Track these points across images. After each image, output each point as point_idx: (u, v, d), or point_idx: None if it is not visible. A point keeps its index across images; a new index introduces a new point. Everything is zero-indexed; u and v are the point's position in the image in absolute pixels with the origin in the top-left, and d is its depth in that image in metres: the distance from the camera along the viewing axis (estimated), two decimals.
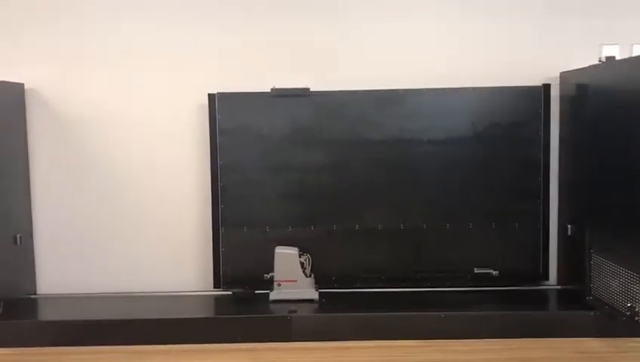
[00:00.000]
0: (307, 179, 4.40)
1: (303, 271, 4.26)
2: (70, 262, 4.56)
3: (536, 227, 4.43)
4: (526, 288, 4.47)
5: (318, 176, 4.40)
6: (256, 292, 4.31)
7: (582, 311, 3.99)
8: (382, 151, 4.38)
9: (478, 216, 4.41)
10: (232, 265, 4.44)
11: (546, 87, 4.38)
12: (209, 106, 4.38)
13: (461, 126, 4.37)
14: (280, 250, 4.27)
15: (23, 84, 4.45)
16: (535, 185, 4.40)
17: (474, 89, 4.36)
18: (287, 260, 4.25)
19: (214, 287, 4.47)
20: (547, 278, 4.47)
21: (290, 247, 4.30)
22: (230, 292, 4.39)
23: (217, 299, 4.43)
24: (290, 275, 4.24)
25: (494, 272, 4.37)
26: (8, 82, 4.30)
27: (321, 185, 4.41)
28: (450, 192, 4.41)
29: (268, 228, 4.42)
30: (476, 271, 4.40)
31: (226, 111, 4.37)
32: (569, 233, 4.29)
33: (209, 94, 4.38)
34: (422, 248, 4.43)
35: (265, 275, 4.31)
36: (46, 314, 4.33)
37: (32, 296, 4.49)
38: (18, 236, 4.30)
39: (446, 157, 4.38)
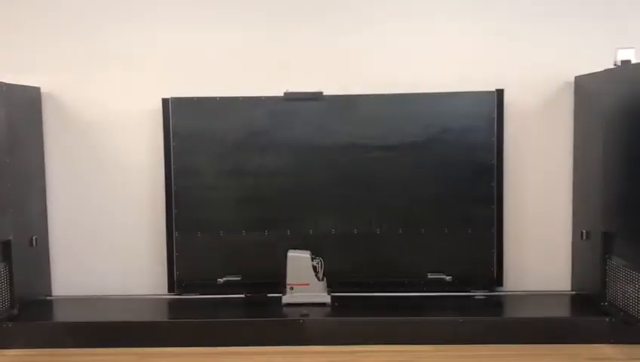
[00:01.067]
0: (261, 184, 4.42)
1: (316, 275, 4.26)
2: (84, 264, 4.60)
3: (490, 232, 4.40)
4: (536, 292, 4.44)
5: (272, 180, 4.41)
6: (269, 295, 4.31)
7: (597, 317, 3.96)
8: (336, 156, 4.39)
9: (431, 221, 4.41)
10: (185, 270, 4.46)
11: (499, 93, 4.36)
12: (163, 111, 4.41)
13: (415, 132, 4.37)
14: (293, 254, 4.28)
15: (39, 88, 4.50)
16: (489, 190, 4.37)
17: (427, 95, 4.35)
18: (299, 264, 4.26)
19: (168, 291, 4.49)
20: (501, 284, 4.44)
21: (302, 251, 4.31)
22: (190, 297, 4.42)
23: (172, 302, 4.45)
24: (303, 279, 4.24)
25: (447, 278, 4.36)
26: (25, 86, 4.35)
27: (275, 190, 4.42)
28: (404, 197, 4.41)
29: (222, 233, 4.43)
30: (430, 276, 4.38)
31: (179, 116, 4.39)
32: (583, 238, 4.26)
33: (163, 99, 4.41)
34: (375, 253, 4.42)
35: (219, 279, 4.35)
36: (61, 315, 4.37)
37: (48, 298, 4.53)
38: (34, 238, 4.34)
39: (400, 162, 4.38)
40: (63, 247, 4.59)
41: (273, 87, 4.36)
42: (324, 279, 4.31)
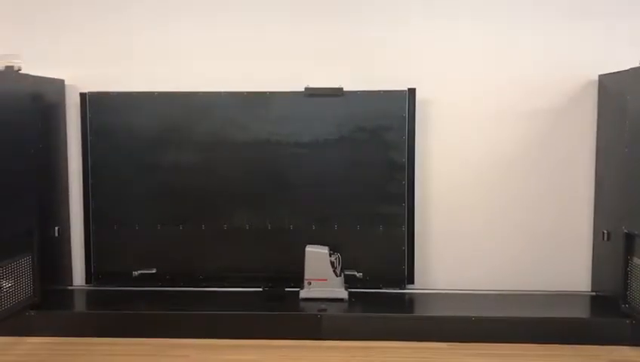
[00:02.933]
0: (177, 179, 4.44)
1: (334, 271, 4.27)
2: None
3: (401, 230, 4.38)
4: (558, 292, 4.40)
5: (187, 176, 4.44)
6: (287, 290, 4.34)
7: (617, 319, 3.92)
8: (250, 152, 4.41)
9: (344, 218, 4.41)
10: (102, 262, 4.52)
11: (412, 92, 4.34)
12: (80, 105, 4.44)
13: (328, 129, 4.38)
14: (311, 249, 4.29)
15: (63, 80, 4.57)
16: (400, 189, 4.36)
17: (342, 92, 4.33)
18: (317, 259, 4.27)
19: (86, 283, 4.54)
20: (412, 282, 4.43)
21: (320, 246, 4.32)
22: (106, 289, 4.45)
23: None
24: (321, 274, 4.26)
25: (358, 274, 4.35)
26: (49, 78, 4.41)
27: (190, 185, 4.45)
28: (318, 194, 4.42)
29: (137, 226, 4.46)
30: (344, 272, 4.36)
31: (97, 110, 4.42)
32: (605, 239, 4.21)
33: (81, 93, 4.44)
34: (288, 249, 4.41)
35: (134, 272, 4.41)
36: (81, 305, 4.45)
37: (69, 288, 4.60)
38: (56, 228, 4.41)
39: (314, 160, 4.39)
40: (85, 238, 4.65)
41: (189, 82, 4.41)
42: (342, 274, 4.32)
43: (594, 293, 4.42)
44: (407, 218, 4.41)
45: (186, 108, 4.43)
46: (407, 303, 4.38)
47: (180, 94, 4.42)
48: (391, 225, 4.41)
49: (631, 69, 3.93)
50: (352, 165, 4.41)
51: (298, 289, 4.28)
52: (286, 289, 4.34)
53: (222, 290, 4.46)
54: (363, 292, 4.35)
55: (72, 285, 4.64)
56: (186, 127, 4.44)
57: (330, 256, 4.29)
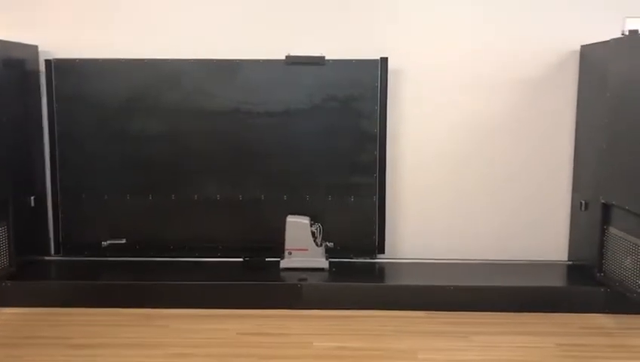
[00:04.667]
0: (146, 148, 4.40)
1: (314, 241, 4.28)
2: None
3: (372, 201, 4.41)
4: (536, 261, 4.47)
5: (156, 145, 4.40)
6: (267, 260, 4.34)
7: (592, 287, 3.99)
8: (220, 121, 4.37)
9: (315, 188, 4.41)
10: (70, 233, 4.48)
11: (384, 61, 4.30)
12: (45, 72, 4.35)
13: (300, 98, 4.35)
14: (292, 219, 4.29)
15: (37, 46, 4.44)
16: (371, 159, 4.37)
17: (310, 58, 4.27)
18: (298, 229, 4.27)
19: (54, 254, 4.52)
20: (383, 251, 4.47)
21: (301, 216, 4.32)
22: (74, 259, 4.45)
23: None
24: (301, 244, 4.26)
25: (329, 244, 4.38)
26: (23, 44, 4.28)
27: (159, 155, 4.41)
28: (289, 165, 4.41)
29: (106, 196, 4.43)
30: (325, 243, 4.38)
31: (62, 78, 4.33)
32: (583, 209, 4.26)
33: (45, 60, 4.35)
34: (260, 219, 4.43)
35: (103, 242, 4.40)
36: (59, 275, 4.40)
37: (46, 258, 4.55)
38: (32, 198, 4.34)
39: (284, 129, 4.37)
40: (62, 208, 4.57)
41: (156, 50, 4.33)
42: (323, 245, 4.32)
43: (570, 263, 4.49)
44: (377, 188, 4.40)
45: (155, 76, 4.34)
46: (381, 272, 4.39)
47: (148, 61, 4.33)
48: (362, 196, 4.40)
49: (612, 39, 3.92)
50: (324, 135, 4.38)
51: (278, 259, 4.27)
52: (266, 259, 4.33)
53: (202, 260, 4.45)
54: (336, 261, 4.34)
55: (49, 255, 4.59)
56: (154, 95, 4.36)
57: (311, 226, 4.28)
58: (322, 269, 4.24)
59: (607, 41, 3.95)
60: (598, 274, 4.03)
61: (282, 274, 4.20)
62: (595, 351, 3.48)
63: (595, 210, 4.07)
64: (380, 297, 4.00)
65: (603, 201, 3.96)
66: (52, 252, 4.57)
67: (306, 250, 4.26)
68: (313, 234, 4.28)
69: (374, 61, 4.30)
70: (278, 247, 4.30)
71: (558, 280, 4.34)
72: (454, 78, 4.43)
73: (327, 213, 4.41)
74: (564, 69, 4.41)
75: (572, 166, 4.48)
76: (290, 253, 4.26)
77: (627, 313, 3.89)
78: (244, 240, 4.44)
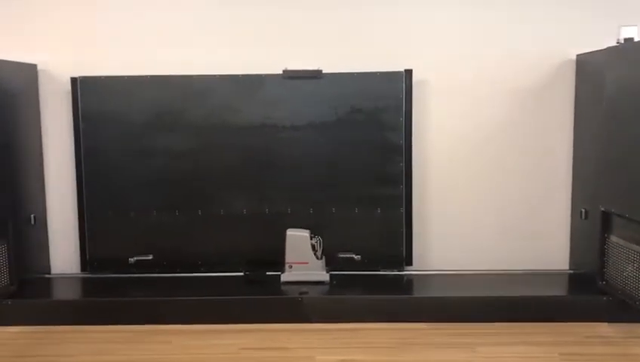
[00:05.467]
0: (172, 164, 4.40)
1: (314, 254, 4.27)
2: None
3: (398, 212, 4.40)
4: (541, 271, 4.45)
5: (182, 161, 4.39)
6: (268, 273, 4.32)
7: (594, 296, 3.97)
8: (246, 136, 4.37)
9: (341, 201, 4.41)
10: (97, 249, 4.47)
11: (408, 73, 4.33)
12: (72, 90, 4.36)
13: (325, 111, 4.35)
14: (292, 233, 4.28)
15: (35, 65, 4.46)
16: (397, 170, 4.38)
17: (335, 74, 4.31)
18: (298, 242, 4.26)
19: (81, 271, 4.50)
20: (411, 263, 4.45)
21: (301, 230, 4.31)
22: (101, 276, 4.42)
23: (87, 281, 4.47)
24: (302, 257, 4.25)
25: (356, 257, 4.37)
26: (22, 63, 4.30)
27: (185, 171, 4.40)
28: (315, 178, 4.40)
29: (132, 213, 4.43)
30: (340, 255, 4.38)
31: (89, 95, 4.34)
32: (583, 217, 4.25)
33: (72, 78, 4.36)
34: (286, 233, 4.38)
35: (130, 259, 4.38)
36: (59, 293, 4.39)
37: (46, 276, 4.54)
38: (32, 216, 4.33)
39: (309, 142, 4.37)
40: (63, 226, 4.58)
41: (181, 66, 4.34)
42: (323, 257, 4.32)
43: (572, 271, 4.47)
44: (404, 200, 4.39)
45: (179, 92, 4.35)
46: (384, 285, 4.34)
47: (173, 78, 4.33)
48: (389, 207, 4.38)
49: (608, 48, 3.94)
50: (349, 147, 4.37)
51: (279, 273, 4.26)
52: (267, 273, 4.32)
53: (202, 276, 4.43)
54: (361, 274, 4.34)
55: (49, 273, 4.58)
56: (179, 112, 4.36)
57: (311, 239, 4.28)
58: (323, 282, 4.22)
59: (603, 49, 3.97)
60: (599, 283, 4.02)
61: (283, 287, 4.19)
62: (598, 360, 3.46)
63: (595, 219, 4.06)
64: (382, 310, 3.98)
65: (603, 209, 3.96)
66: (74, 269, 4.54)
67: (307, 263, 4.25)
68: (313, 247, 4.27)
69: (399, 73, 4.32)
70: None
71: (559, 290, 4.32)
72: (462, 88, 4.45)
73: (353, 225, 4.40)
74: (560, 78, 4.42)
75: (571, 174, 4.48)
76: (290, 267, 4.25)
77: (629, 321, 3.87)
78: (270, 253, 4.38)
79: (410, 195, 4.42)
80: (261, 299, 4.04)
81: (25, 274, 4.22)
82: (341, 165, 4.40)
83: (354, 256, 4.37)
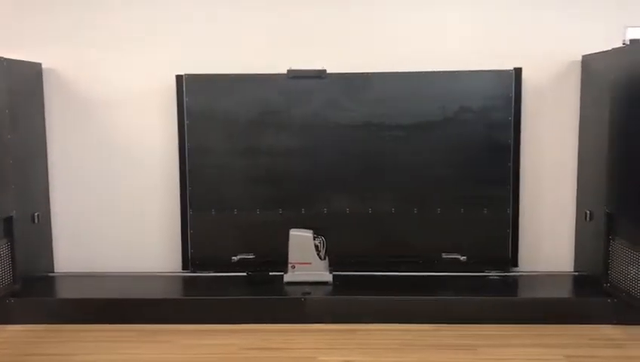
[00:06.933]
0: (276, 163, 4.38)
1: (318, 254, 4.26)
2: (87, 241, 4.60)
3: (505, 213, 4.37)
4: (547, 273, 4.43)
5: (287, 159, 4.38)
6: (271, 274, 4.32)
7: (599, 298, 3.95)
8: (351, 135, 4.34)
9: (447, 201, 4.37)
10: (200, 248, 4.45)
11: (518, 71, 4.29)
12: (177, 88, 4.35)
13: (431, 110, 4.32)
14: (295, 233, 4.27)
15: (40, 64, 4.47)
16: (505, 170, 4.34)
17: (443, 73, 4.29)
18: (301, 243, 4.25)
19: (182, 269, 4.49)
20: (516, 264, 4.41)
21: (304, 230, 4.30)
22: (203, 274, 4.42)
23: (187, 280, 4.45)
24: (305, 258, 4.24)
25: (462, 258, 4.34)
26: (26, 62, 4.31)
27: (290, 169, 4.39)
28: (420, 177, 4.37)
29: (236, 211, 4.41)
30: (444, 256, 4.36)
31: (193, 93, 4.34)
32: (588, 219, 4.23)
33: (177, 76, 4.35)
34: (390, 233, 4.40)
35: (233, 257, 4.36)
36: (62, 292, 4.38)
37: (50, 274, 4.54)
38: (36, 214, 4.34)
39: (415, 141, 4.34)
40: (67, 224, 4.59)
41: (287, 65, 4.30)
42: (326, 258, 4.30)
43: (576, 273, 4.45)
44: (511, 200, 4.35)
45: (284, 90, 4.32)
46: (390, 285, 4.28)
47: (278, 76, 4.30)
48: (495, 208, 4.35)
49: (614, 49, 3.92)
50: (456, 146, 4.32)
51: (282, 273, 4.26)
52: (270, 273, 4.32)
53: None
54: (467, 276, 4.31)
55: (53, 272, 4.58)
56: (284, 110, 4.34)
57: (314, 239, 4.27)
58: (326, 283, 4.21)
59: (609, 50, 3.95)
60: (604, 285, 3.99)
61: (286, 288, 4.17)
62: None
63: (600, 220, 4.04)
64: (385, 310, 3.96)
65: (607, 211, 3.93)
66: (98, 268, 4.52)
67: (310, 263, 4.24)
68: (316, 247, 4.26)
69: (508, 72, 4.28)
70: (408, 261, 4.36)
71: (564, 291, 4.30)
72: None
73: (459, 225, 4.37)
74: (566, 79, 4.40)
75: (576, 176, 4.45)
76: (293, 267, 4.24)
77: (634, 323, 3.85)
78: (372, 254, 4.39)
79: (517, 196, 4.38)
80: (264, 299, 4.03)
81: (28, 272, 4.22)
82: (447, 165, 4.34)
83: (459, 256, 4.34)
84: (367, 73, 4.31)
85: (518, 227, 4.40)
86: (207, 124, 4.36)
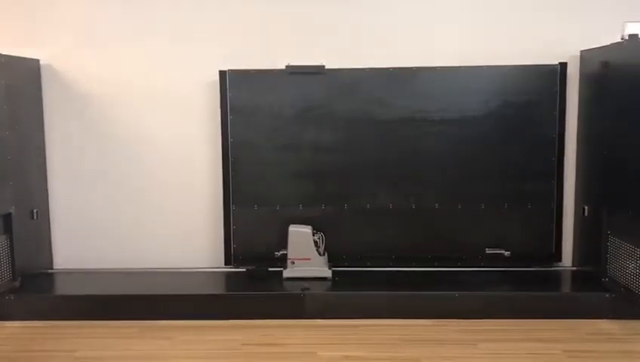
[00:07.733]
0: (318, 158, 4.38)
1: (317, 250, 4.26)
2: (86, 238, 4.60)
3: (549, 208, 4.37)
4: (540, 269, 4.44)
5: (329, 154, 4.37)
6: (270, 269, 4.32)
7: (597, 293, 3.96)
8: (394, 130, 4.34)
9: (490, 196, 4.36)
10: (242, 243, 4.45)
11: (563, 66, 4.29)
12: (220, 83, 4.35)
13: (475, 105, 4.31)
14: (294, 228, 4.27)
15: (38, 60, 4.46)
16: (549, 165, 4.34)
17: (488, 67, 4.29)
18: (300, 238, 4.26)
19: (225, 265, 4.48)
20: (560, 259, 4.43)
21: (303, 226, 4.31)
22: (243, 270, 4.42)
23: (229, 275, 4.45)
24: (304, 253, 4.24)
25: (506, 253, 4.34)
26: (24, 58, 4.30)
27: (332, 164, 4.38)
28: (463, 172, 4.36)
29: (279, 207, 4.41)
30: (488, 251, 4.37)
31: (237, 88, 4.34)
32: (586, 214, 4.24)
33: (220, 71, 4.35)
34: (433, 228, 4.40)
35: (276, 253, 4.34)
36: (62, 288, 4.38)
37: (49, 271, 4.54)
38: (34, 211, 4.33)
39: (459, 136, 4.33)
40: (65, 220, 4.59)
41: (329, 60, 4.30)
42: (325, 254, 4.31)
43: (575, 268, 4.46)
44: (555, 195, 4.35)
45: (329, 86, 4.32)
46: (387, 280, 4.30)
47: (325, 71, 4.28)
48: (539, 203, 4.34)
49: (612, 44, 3.92)
50: (499, 141, 4.32)
51: (281, 269, 4.27)
52: (269, 269, 4.32)
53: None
54: (510, 271, 4.32)
55: (52, 268, 4.58)
56: (327, 105, 4.33)
57: (314, 235, 4.27)
58: (325, 278, 4.22)
59: (607, 45, 3.96)
60: (602, 280, 4.01)
61: (285, 283, 4.18)
62: (602, 357, 3.45)
63: (598, 216, 4.05)
64: (384, 306, 3.97)
65: (606, 206, 3.94)
66: (106, 264, 4.51)
67: (309, 259, 4.24)
68: (316, 243, 4.27)
69: (554, 66, 4.28)
70: (451, 257, 4.38)
71: (563, 287, 4.31)
72: None
73: (502, 220, 4.36)
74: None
75: (575, 171, 4.46)
76: (293, 263, 4.24)
77: (632, 318, 3.86)
78: (415, 250, 4.40)
79: (561, 191, 4.38)
80: (263, 294, 4.04)
81: (27, 269, 4.21)
82: (491, 159, 4.34)
83: (504, 251, 4.34)
84: (412, 68, 4.30)
85: (562, 222, 4.40)
86: (250, 119, 4.35)
